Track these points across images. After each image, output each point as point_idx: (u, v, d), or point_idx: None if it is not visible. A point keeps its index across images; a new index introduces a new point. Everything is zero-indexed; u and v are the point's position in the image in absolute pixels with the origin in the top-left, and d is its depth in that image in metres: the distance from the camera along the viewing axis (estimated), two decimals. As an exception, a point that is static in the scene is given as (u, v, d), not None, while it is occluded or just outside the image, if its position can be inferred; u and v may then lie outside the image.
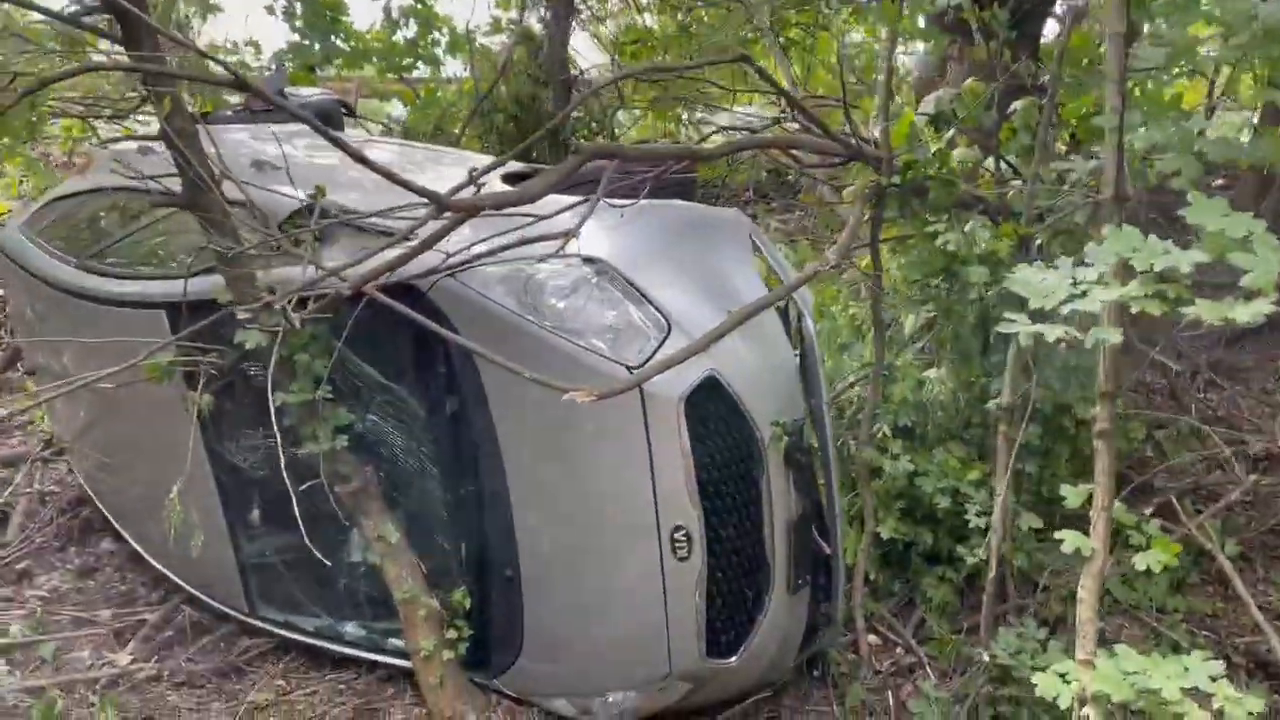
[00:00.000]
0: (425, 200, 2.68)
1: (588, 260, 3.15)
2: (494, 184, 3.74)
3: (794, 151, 3.57)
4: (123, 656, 3.95)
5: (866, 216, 3.36)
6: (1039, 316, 2.31)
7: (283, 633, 4.09)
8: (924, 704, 3.65)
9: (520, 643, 3.56)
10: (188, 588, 4.38)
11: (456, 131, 8.10)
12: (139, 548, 4.61)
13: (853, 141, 3.29)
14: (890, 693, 3.88)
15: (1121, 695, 2.40)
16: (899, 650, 4.12)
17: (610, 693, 3.57)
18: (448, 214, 2.68)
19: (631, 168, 3.53)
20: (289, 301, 3.01)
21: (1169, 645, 4.00)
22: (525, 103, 8.23)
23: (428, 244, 2.73)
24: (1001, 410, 3.69)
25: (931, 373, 4.08)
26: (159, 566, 4.49)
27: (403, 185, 2.56)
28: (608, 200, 3.06)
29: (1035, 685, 2.56)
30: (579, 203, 3.18)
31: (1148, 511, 4.42)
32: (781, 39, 8.82)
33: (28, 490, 5.41)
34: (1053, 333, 2.26)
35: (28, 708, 3.52)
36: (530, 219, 3.07)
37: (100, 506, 4.94)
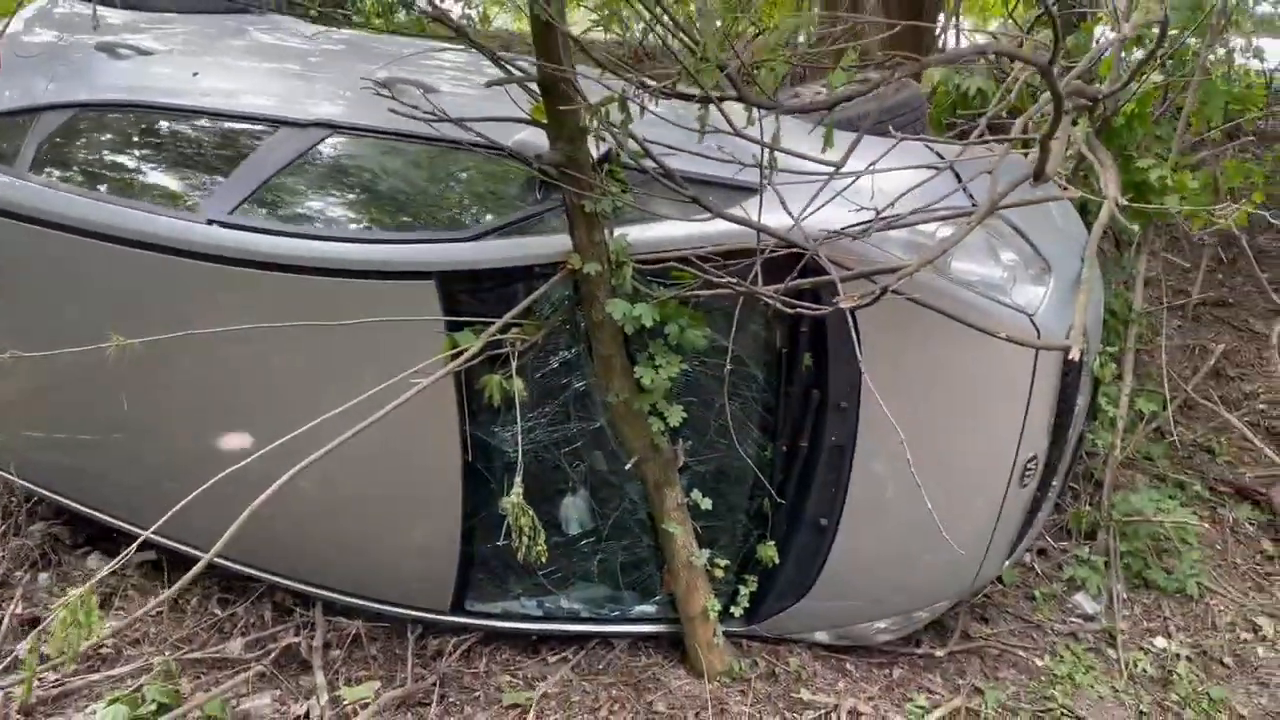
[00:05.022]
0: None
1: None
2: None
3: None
4: (351, 690, 3.24)
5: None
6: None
7: (496, 624, 3.61)
8: (1083, 567, 4.30)
9: (809, 586, 3.56)
10: (329, 594, 3.63)
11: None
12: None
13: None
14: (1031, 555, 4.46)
15: None
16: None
17: (884, 619, 3.75)
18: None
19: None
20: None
21: None
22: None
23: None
24: (1137, 314, 4.33)
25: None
26: (275, 578, 3.63)
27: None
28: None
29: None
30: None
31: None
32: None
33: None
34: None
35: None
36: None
37: (99, 515, 3.80)
